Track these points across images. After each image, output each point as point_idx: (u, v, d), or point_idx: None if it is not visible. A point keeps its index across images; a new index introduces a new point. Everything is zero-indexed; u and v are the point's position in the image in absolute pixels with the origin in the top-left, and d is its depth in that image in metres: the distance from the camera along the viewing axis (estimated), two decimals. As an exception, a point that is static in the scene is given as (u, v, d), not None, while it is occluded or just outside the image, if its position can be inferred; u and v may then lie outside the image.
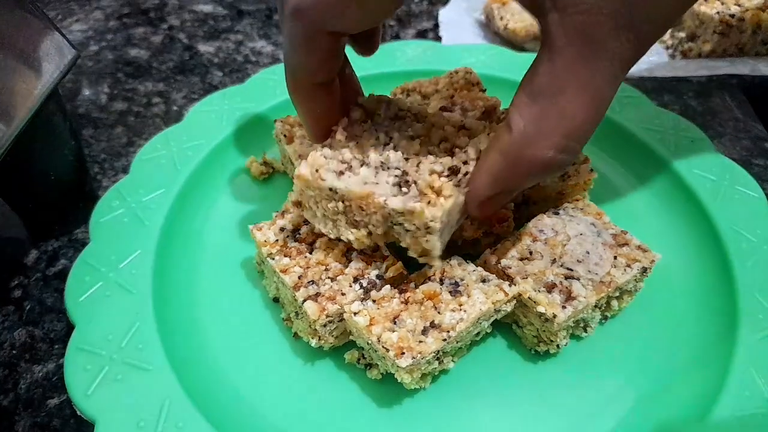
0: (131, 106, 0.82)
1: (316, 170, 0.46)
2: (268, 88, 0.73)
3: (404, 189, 0.45)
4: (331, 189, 0.46)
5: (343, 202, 0.46)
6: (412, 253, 0.47)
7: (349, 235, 0.48)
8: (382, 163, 0.46)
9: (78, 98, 0.83)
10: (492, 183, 0.42)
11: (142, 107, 0.82)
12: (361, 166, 0.46)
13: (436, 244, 0.45)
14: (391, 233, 0.47)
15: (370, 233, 0.48)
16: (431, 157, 0.47)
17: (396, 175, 0.45)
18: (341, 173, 0.46)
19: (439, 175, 0.45)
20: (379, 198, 0.44)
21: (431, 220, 0.43)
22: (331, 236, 0.50)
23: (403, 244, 0.47)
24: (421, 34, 0.95)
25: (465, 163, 0.46)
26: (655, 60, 0.86)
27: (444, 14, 0.96)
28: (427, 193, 0.44)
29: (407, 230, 0.46)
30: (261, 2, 1.03)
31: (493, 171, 0.41)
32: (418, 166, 0.46)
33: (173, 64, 0.90)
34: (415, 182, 0.45)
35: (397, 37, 0.95)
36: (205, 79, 0.87)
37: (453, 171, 0.45)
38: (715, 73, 0.83)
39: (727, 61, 0.85)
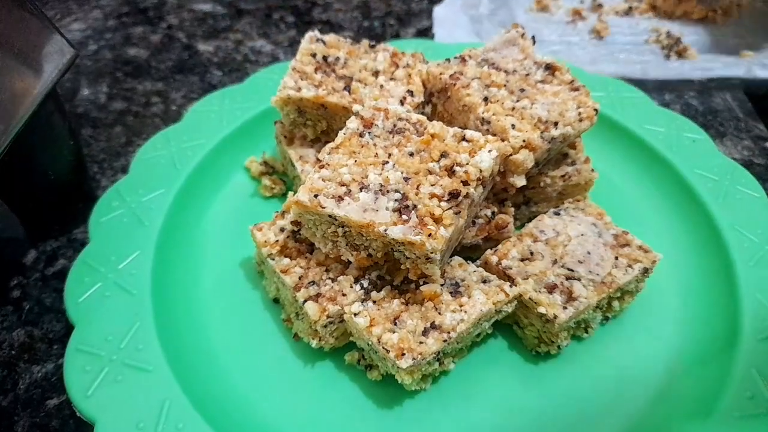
0: (130, 105, 0.82)
1: (315, 196, 0.46)
2: (267, 88, 0.73)
3: (404, 216, 0.45)
4: (330, 216, 0.46)
5: (342, 227, 0.46)
6: (412, 276, 0.47)
7: (349, 256, 0.48)
8: (381, 185, 0.46)
9: (77, 98, 0.83)
10: None
11: (141, 107, 0.82)
12: (361, 189, 0.46)
13: (435, 270, 0.46)
14: (391, 255, 0.47)
15: (370, 255, 0.48)
16: (431, 177, 0.47)
17: (396, 200, 0.45)
18: (340, 198, 0.46)
19: (440, 199, 0.45)
20: (380, 228, 0.44)
21: (432, 252, 0.44)
22: (331, 255, 0.50)
23: (402, 267, 0.48)
24: (421, 33, 0.95)
25: (465, 183, 0.46)
26: (649, 60, 0.86)
27: (438, 11, 0.96)
28: (428, 223, 0.44)
29: (407, 257, 0.46)
30: (260, 1, 1.03)
31: None
32: (418, 188, 0.46)
33: (172, 63, 0.90)
34: (415, 207, 0.45)
35: (397, 36, 0.94)
36: (204, 79, 0.87)
37: (453, 195, 0.45)
38: (708, 75, 0.83)
39: (721, 62, 0.84)
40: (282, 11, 1.01)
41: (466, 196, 0.45)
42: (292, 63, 0.61)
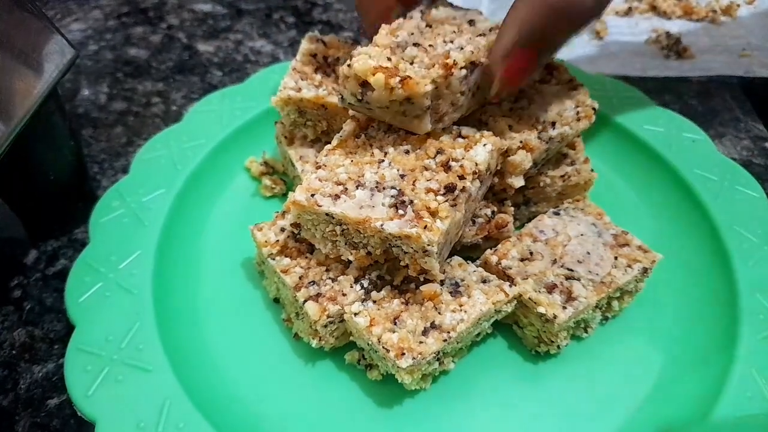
0: (130, 105, 0.82)
1: (312, 195, 0.46)
2: (267, 88, 0.73)
3: (400, 211, 0.45)
4: (327, 214, 0.46)
5: (340, 225, 0.47)
6: (411, 272, 0.47)
7: (349, 255, 0.49)
8: (377, 183, 0.46)
9: (77, 98, 0.83)
10: (517, 29, 0.43)
11: (141, 107, 0.82)
12: (357, 187, 0.46)
13: (434, 264, 0.46)
14: (390, 252, 0.47)
15: (369, 253, 0.48)
16: (427, 173, 0.47)
17: (392, 196, 0.45)
18: (337, 197, 0.46)
19: (436, 193, 0.45)
20: (376, 223, 0.44)
21: (428, 245, 0.44)
22: (331, 256, 0.50)
23: (402, 263, 0.48)
24: (421, 34, 0.95)
25: (461, 177, 0.46)
26: (649, 60, 0.86)
27: None
28: (424, 216, 0.44)
29: (405, 252, 0.46)
30: (260, 1, 1.03)
31: (518, 16, 0.43)
32: (414, 184, 0.46)
33: (172, 63, 0.90)
34: (411, 202, 0.45)
35: (397, 36, 0.94)
36: (204, 79, 0.87)
37: (449, 189, 0.45)
38: (708, 74, 0.83)
39: (720, 62, 0.84)
40: (282, 11, 1.01)
41: (463, 189, 0.45)
42: (292, 63, 0.61)
